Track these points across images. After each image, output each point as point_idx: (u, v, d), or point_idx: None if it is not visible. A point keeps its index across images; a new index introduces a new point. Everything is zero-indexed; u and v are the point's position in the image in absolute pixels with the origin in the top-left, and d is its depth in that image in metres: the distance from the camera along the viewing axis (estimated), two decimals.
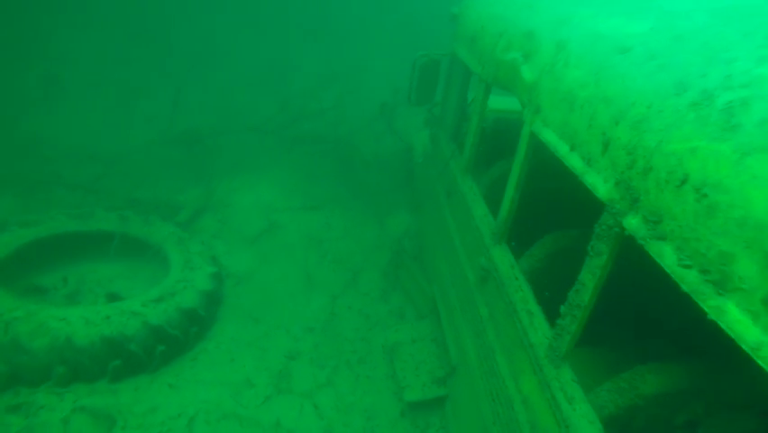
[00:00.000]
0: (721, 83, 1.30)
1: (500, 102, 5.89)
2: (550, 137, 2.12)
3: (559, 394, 1.85)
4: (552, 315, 2.19)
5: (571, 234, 2.59)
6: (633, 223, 1.46)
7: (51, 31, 8.89)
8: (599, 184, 1.67)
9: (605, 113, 1.70)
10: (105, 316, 3.37)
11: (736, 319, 1.05)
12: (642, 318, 2.98)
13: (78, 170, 5.94)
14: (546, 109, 2.21)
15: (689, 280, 1.19)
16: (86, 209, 4.74)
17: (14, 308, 3.27)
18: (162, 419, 3.33)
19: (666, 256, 1.28)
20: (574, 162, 1.86)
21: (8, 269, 3.88)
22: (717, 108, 1.24)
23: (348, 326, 4.80)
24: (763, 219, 1.00)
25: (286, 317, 4.82)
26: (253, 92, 9.61)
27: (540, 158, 2.99)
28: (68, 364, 3.21)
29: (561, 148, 1.99)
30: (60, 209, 4.79)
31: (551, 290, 2.63)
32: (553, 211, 3.34)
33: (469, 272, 3.28)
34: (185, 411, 3.46)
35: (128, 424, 3.25)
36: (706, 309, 1.13)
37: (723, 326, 1.07)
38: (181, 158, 6.85)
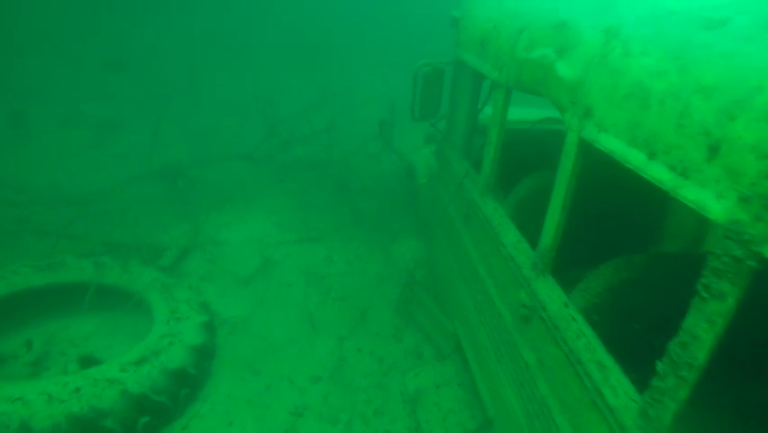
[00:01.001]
0: None
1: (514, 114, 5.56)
2: (612, 144, 1.73)
3: None
4: (621, 362, 1.77)
5: (636, 261, 2.18)
6: None
7: (16, 63, 8.55)
8: (709, 201, 1.27)
9: (705, 106, 1.31)
10: (75, 388, 2.88)
11: None
12: None
13: (49, 214, 5.49)
14: (602, 110, 1.83)
15: None
16: (57, 258, 4.28)
17: None
18: None
19: None
20: (659, 174, 1.46)
21: None
22: None
23: (360, 371, 4.32)
24: None
25: (289, 367, 4.34)
26: (240, 118, 9.30)
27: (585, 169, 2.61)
28: None
29: (633, 157, 1.60)
30: (26, 261, 4.31)
31: (610, 330, 2.21)
32: (597, 231, 2.95)
33: (503, 309, 2.85)
34: None
35: None
36: None
37: None
38: (164, 194, 6.42)
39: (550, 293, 2.29)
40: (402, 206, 6.20)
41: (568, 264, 2.82)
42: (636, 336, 2.16)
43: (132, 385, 3.07)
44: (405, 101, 10.47)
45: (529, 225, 3.07)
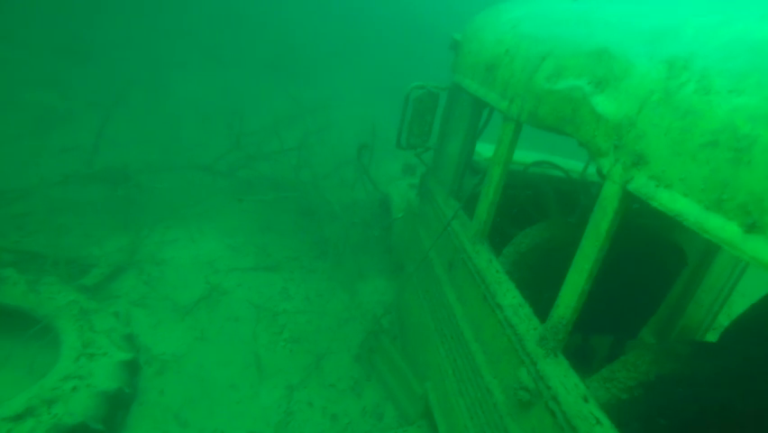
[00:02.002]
0: None
1: (489, 149, 5.27)
2: (680, 205, 1.34)
3: None
4: None
5: (681, 351, 1.78)
6: None
7: None
8: None
9: None
10: None
11: None
12: None
13: None
14: (663, 160, 1.45)
15: None
16: None
17: None
18: None
19: None
20: (763, 251, 1.07)
21: None
22: None
23: (309, 431, 3.73)
24: None
25: (225, 419, 3.70)
26: (204, 125, 8.65)
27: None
28: None
29: (717, 226, 1.20)
30: None
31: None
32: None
33: (494, 386, 2.38)
34: None
35: None
36: None
37: None
38: (103, 200, 5.68)
39: (563, 380, 1.85)
40: (373, 240, 5.72)
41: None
42: None
43: None
44: (385, 127, 10.17)
45: (530, 286, 2.66)
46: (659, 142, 1.48)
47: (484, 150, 4.71)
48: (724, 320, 5.52)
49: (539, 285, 2.81)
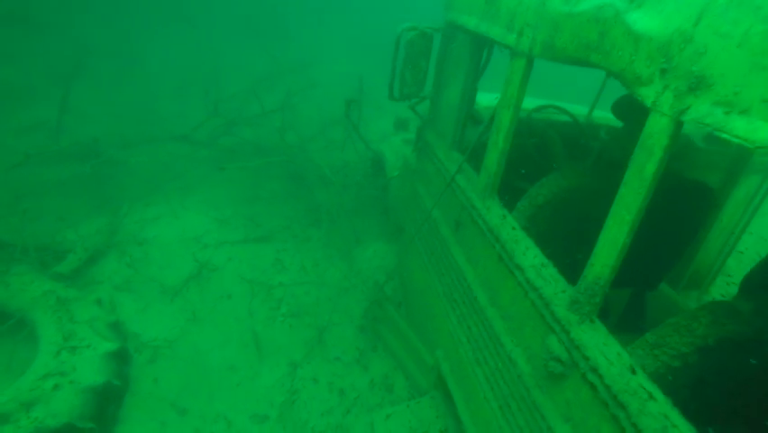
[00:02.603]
0: None
1: (487, 98, 4.92)
2: (764, 133, 1.07)
3: None
4: None
5: (744, 309, 1.55)
6: None
7: None
8: None
9: None
10: None
11: None
12: None
13: None
14: (734, 80, 1.16)
15: None
16: None
17: None
18: None
19: None
20: None
21: None
22: None
23: (316, 408, 3.58)
24: None
25: (226, 403, 3.54)
26: (178, 92, 8.12)
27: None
28: None
29: None
30: None
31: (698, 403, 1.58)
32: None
33: (517, 355, 2.17)
34: None
35: None
36: None
37: None
38: (75, 179, 5.31)
39: (603, 349, 1.63)
40: (368, 202, 5.43)
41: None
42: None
43: None
44: (373, 84, 9.67)
45: (550, 241, 2.41)
46: (729, 57, 1.18)
47: (482, 99, 4.37)
48: (731, 262, 5.37)
49: (560, 240, 2.57)
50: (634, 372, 1.50)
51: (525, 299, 2.14)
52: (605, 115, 4.90)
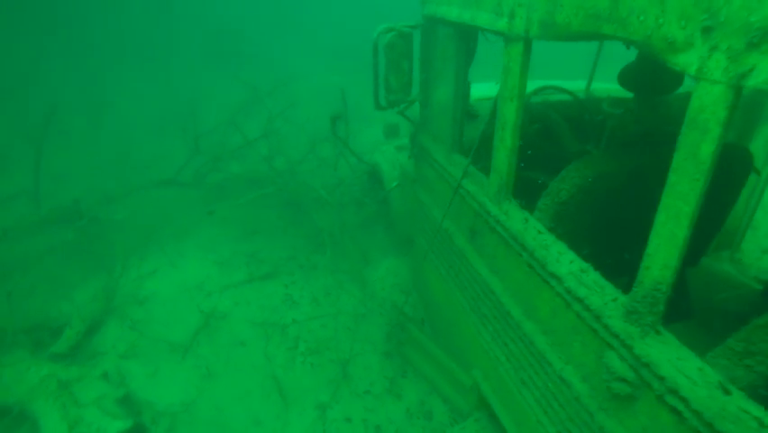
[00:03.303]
0: None
1: (484, 89, 4.70)
2: None
3: None
4: None
5: None
6: None
7: None
8: None
9: None
10: None
11: None
12: None
13: None
14: None
15: None
16: None
17: None
18: None
19: None
20: None
21: None
22: None
23: None
24: None
25: None
26: (155, 136, 7.91)
27: None
28: None
29: None
30: None
31: None
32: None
33: (571, 376, 1.93)
34: None
35: None
36: None
37: None
38: (63, 245, 5.09)
39: (679, 364, 1.39)
40: (370, 218, 5.21)
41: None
42: None
43: None
44: (355, 93, 9.45)
45: (580, 241, 2.17)
46: None
47: (473, 90, 4.15)
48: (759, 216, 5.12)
49: (591, 238, 2.33)
50: (727, 392, 1.26)
51: (568, 311, 1.91)
52: (603, 87, 4.67)
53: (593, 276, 1.82)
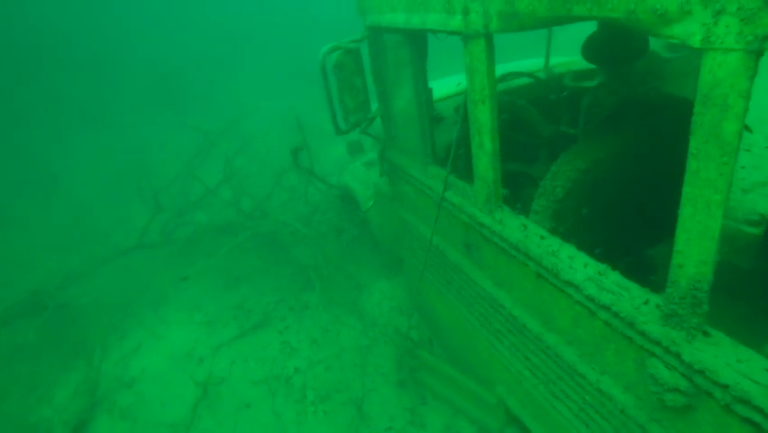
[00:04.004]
0: None
1: (444, 86, 4.56)
2: None
3: None
4: None
5: None
6: None
7: None
8: None
9: None
10: None
11: None
12: None
13: None
14: None
15: None
16: None
17: None
18: None
19: None
20: None
21: None
22: None
23: None
24: None
25: None
26: (111, 201, 7.52)
27: None
28: None
29: None
30: None
31: None
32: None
33: (612, 389, 1.76)
34: None
35: None
36: None
37: None
38: (29, 343, 4.71)
39: (740, 367, 1.23)
40: (353, 243, 4.99)
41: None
42: None
43: None
44: (311, 114, 9.22)
45: (583, 238, 2.02)
46: None
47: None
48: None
49: (594, 229, 2.18)
50: None
51: (594, 319, 1.73)
52: (559, 61, 4.58)
53: (613, 277, 1.65)
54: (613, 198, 2.08)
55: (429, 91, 2.67)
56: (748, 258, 3.06)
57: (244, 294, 5.10)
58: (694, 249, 1.24)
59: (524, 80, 3.87)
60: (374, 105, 3.65)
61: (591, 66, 3.92)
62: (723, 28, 0.99)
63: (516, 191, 3.13)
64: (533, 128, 3.39)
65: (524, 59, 5.07)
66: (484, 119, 1.96)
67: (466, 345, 3.08)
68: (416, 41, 2.50)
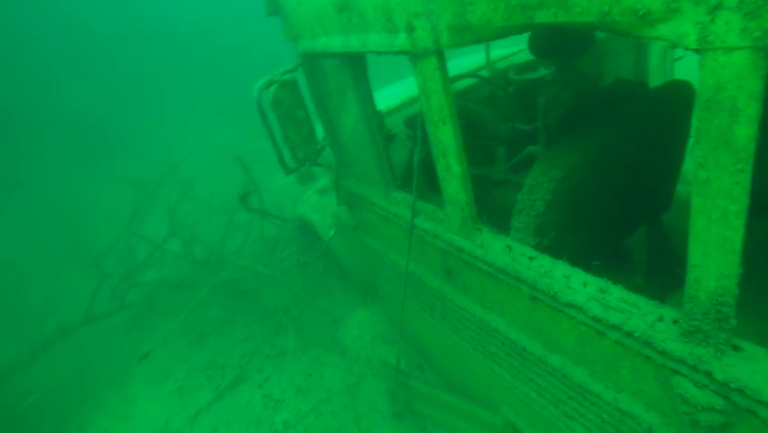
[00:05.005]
0: None
1: (386, 98, 4.42)
2: None
3: None
4: None
5: None
6: None
7: None
8: None
9: None
10: None
11: None
12: None
13: None
14: None
15: None
16: None
17: None
18: None
19: None
20: None
21: None
22: None
23: None
24: None
25: None
26: (51, 274, 6.86)
27: None
28: None
29: None
30: None
31: None
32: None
33: (633, 407, 1.65)
34: None
35: None
36: None
37: None
38: None
39: None
40: (319, 276, 4.74)
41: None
42: None
43: None
44: (252, 144, 8.84)
45: (571, 249, 1.90)
46: None
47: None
48: None
49: (579, 235, 2.07)
50: None
51: (602, 339, 1.61)
52: (498, 54, 4.54)
53: (617, 293, 1.53)
54: (593, 197, 1.99)
55: (380, 114, 2.49)
56: None
57: (214, 350, 4.73)
58: (712, 262, 1.12)
59: (468, 81, 3.78)
60: (320, 133, 3.45)
61: (532, 57, 3.90)
62: (722, 25, 0.87)
63: (481, 197, 3.02)
64: (488, 130, 3.30)
65: (462, 58, 5.02)
66: (448, 141, 1.81)
67: (460, 367, 2.92)
68: (358, 64, 2.33)
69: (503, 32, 1.35)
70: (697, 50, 0.92)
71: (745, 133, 0.92)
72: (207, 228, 6.32)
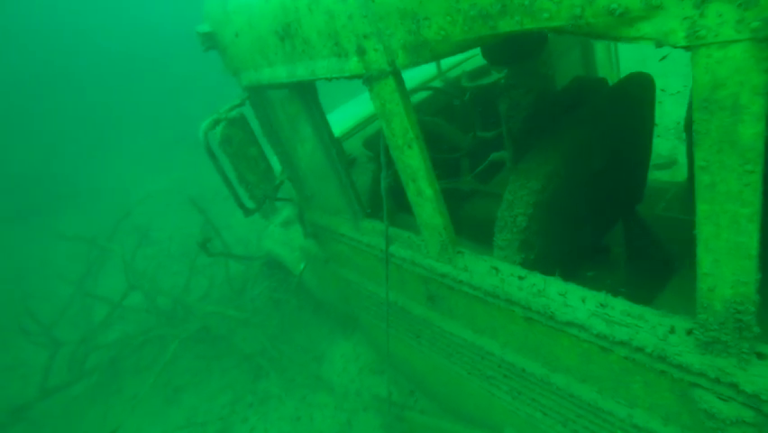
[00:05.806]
0: None
1: (344, 117, 4.28)
2: None
3: None
4: None
5: None
6: None
7: None
8: None
9: None
10: None
11: None
12: None
13: None
14: None
15: None
16: None
17: None
18: None
19: None
20: None
21: None
22: None
23: None
24: None
25: None
26: None
27: None
28: None
29: None
30: None
31: None
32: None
33: (651, 423, 1.55)
34: None
35: None
36: None
37: None
38: None
39: None
40: (295, 311, 4.51)
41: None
42: None
43: None
44: (206, 180, 8.45)
45: (559, 261, 1.82)
46: None
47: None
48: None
49: (563, 241, 1.99)
50: None
51: (609, 355, 1.51)
52: (448, 62, 4.49)
53: (619, 306, 1.43)
54: (572, 201, 1.91)
55: (338, 142, 2.35)
56: (688, 209, 3.08)
57: (191, 405, 4.40)
58: (726, 270, 1.03)
59: (422, 94, 3.70)
60: (278, 167, 3.28)
61: (483, 62, 3.86)
62: (714, 18, 0.78)
63: (452, 211, 2.92)
64: (449, 141, 3.21)
65: (410, 70, 4.95)
66: (416, 164, 1.69)
67: (456, 391, 2.78)
68: (308, 92, 2.19)
69: (464, 46, 1.25)
70: (687, 48, 0.84)
71: (751, 131, 0.84)
72: (169, 275, 5.96)
